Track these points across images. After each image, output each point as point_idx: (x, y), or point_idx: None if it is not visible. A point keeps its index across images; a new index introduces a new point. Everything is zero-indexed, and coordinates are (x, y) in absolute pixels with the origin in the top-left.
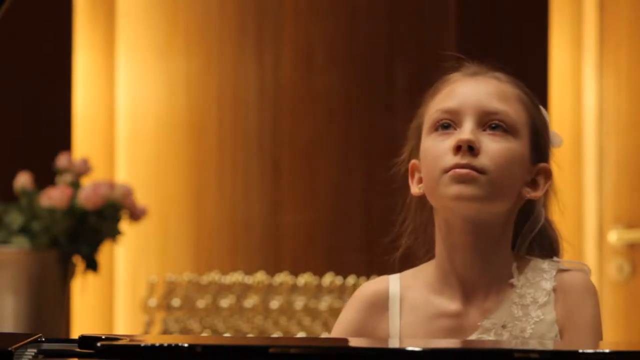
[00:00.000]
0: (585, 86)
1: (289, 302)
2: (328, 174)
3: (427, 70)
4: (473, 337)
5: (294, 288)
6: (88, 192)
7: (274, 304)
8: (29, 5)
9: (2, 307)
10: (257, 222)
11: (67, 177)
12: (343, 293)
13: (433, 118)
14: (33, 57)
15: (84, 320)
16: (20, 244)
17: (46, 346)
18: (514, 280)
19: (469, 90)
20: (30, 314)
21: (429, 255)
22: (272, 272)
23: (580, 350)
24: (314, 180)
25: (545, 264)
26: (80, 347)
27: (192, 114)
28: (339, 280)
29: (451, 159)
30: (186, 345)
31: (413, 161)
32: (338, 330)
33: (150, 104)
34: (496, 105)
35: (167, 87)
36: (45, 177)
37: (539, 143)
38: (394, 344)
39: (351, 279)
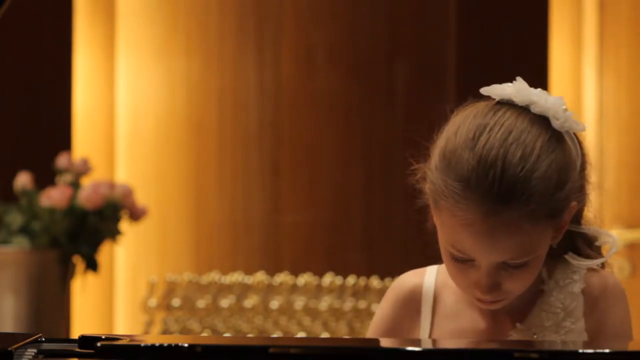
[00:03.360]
0: (585, 86)
1: (289, 302)
2: (328, 174)
3: (427, 70)
4: None
5: (294, 288)
6: (88, 192)
7: (274, 304)
8: (29, 5)
9: (2, 307)
10: (257, 222)
11: (67, 177)
12: (343, 293)
13: (447, 246)
14: (33, 57)
15: (84, 320)
16: (20, 244)
17: (46, 346)
18: (544, 287)
19: (484, 240)
20: (30, 314)
21: None
22: (272, 272)
23: (580, 350)
24: (314, 180)
25: (574, 264)
26: (80, 347)
27: (192, 113)
28: (339, 280)
29: (476, 294)
30: (186, 345)
31: (427, 188)
32: (374, 327)
33: (150, 104)
34: (514, 252)
35: (167, 86)
36: (45, 177)
37: (562, 214)
38: (391, 344)
39: (351, 279)
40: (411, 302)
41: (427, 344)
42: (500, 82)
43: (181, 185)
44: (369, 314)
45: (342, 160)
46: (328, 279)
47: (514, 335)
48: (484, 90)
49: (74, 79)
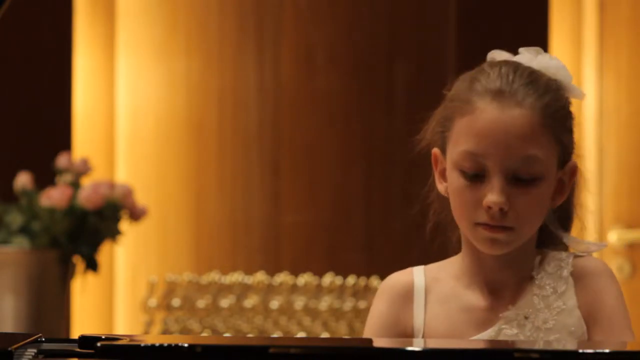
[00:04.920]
0: (585, 86)
1: (289, 302)
2: (328, 174)
3: (427, 70)
4: (495, 328)
5: (294, 288)
6: (88, 192)
7: (274, 304)
8: (28, 5)
9: (2, 307)
10: (257, 222)
11: (67, 177)
12: (343, 293)
13: (460, 160)
14: (33, 57)
15: (84, 320)
16: (20, 244)
17: (46, 346)
18: (534, 273)
19: (497, 136)
20: (30, 314)
21: (457, 231)
22: (272, 272)
23: (580, 350)
24: (314, 180)
25: (563, 254)
26: (80, 347)
27: (192, 113)
28: (339, 280)
29: (482, 216)
30: (186, 345)
31: (435, 150)
32: (371, 325)
33: (150, 104)
34: (525, 153)
35: (167, 87)
36: (45, 177)
37: (565, 151)
38: (390, 344)
39: (351, 279)
40: (404, 296)
41: (427, 344)
42: None
43: (181, 185)
44: None
45: (342, 160)
46: (328, 279)
47: (507, 317)
48: (490, 54)
49: (74, 79)
